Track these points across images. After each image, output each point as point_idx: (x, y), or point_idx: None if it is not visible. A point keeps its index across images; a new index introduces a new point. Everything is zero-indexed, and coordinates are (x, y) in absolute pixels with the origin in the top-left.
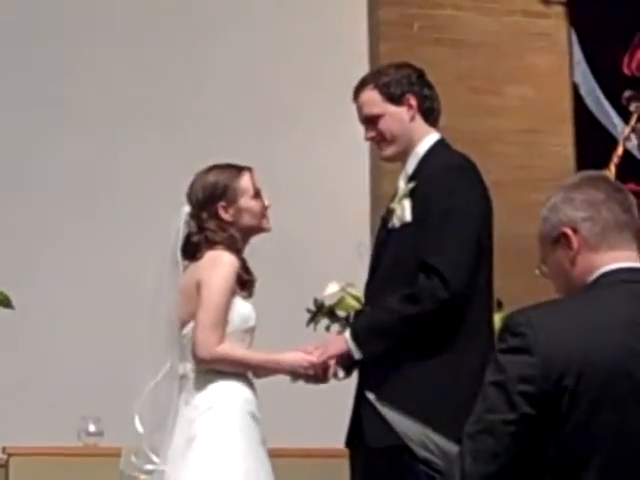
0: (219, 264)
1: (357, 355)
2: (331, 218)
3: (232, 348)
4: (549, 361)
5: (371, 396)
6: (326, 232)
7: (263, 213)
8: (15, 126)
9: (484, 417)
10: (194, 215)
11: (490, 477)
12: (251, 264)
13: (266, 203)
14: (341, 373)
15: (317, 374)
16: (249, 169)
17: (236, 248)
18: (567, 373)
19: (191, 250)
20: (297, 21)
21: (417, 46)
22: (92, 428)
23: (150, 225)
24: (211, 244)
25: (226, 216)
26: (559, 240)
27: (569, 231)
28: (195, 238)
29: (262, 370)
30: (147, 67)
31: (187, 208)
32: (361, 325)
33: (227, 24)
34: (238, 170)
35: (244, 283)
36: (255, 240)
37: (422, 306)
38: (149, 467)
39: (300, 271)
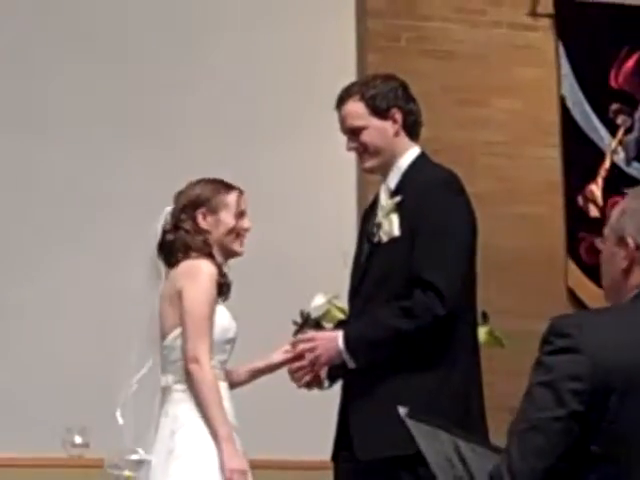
0: (198, 274)
1: (351, 364)
2: (317, 229)
3: (217, 384)
4: (597, 360)
5: (402, 411)
6: (312, 243)
7: (239, 233)
8: (9, 131)
9: (532, 415)
10: (174, 215)
11: (539, 474)
12: (237, 276)
13: (246, 225)
14: (326, 383)
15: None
16: (239, 190)
17: (209, 253)
18: (615, 373)
19: (165, 250)
20: (284, 31)
21: (404, 57)
22: (78, 439)
23: (137, 236)
24: (185, 248)
25: (203, 223)
26: (621, 242)
27: (632, 243)
28: (169, 236)
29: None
30: (136, 77)
31: (169, 208)
32: (355, 336)
33: (214, 35)
34: (228, 187)
35: (220, 286)
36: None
37: (418, 321)
38: (134, 457)
39: (286, 283)
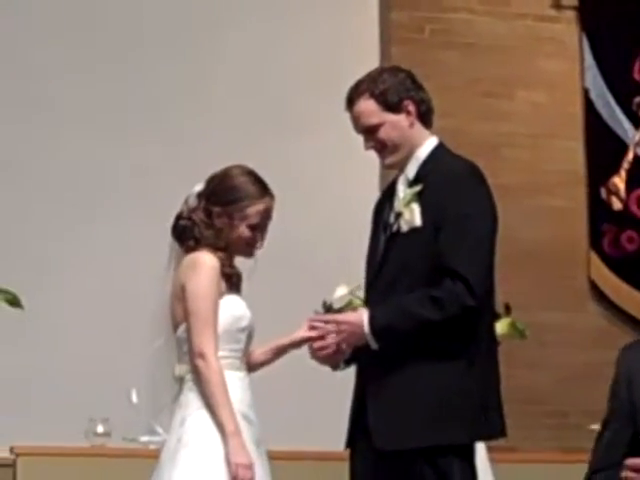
0: (198, 267)
1: (374, 346)
2: (341, 221)
3: (224, 378)
4: None
5: None
6: (335, 234)
7: (250, 243)
8: (18, 126)
9: None
10: (199, 196)
11: None
12: (261, 266)
13: (259, 239)
14: (341, 365)
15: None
16: (270, 197)
17: (221, 247)
18: None
19: (177, 234)
20: (307, 23)
21: (428, 49)
22: (100, 429)
23: (155, 224)
24: (196, 240)
25: (217, 221)
26: None
27: None
28: (182, 222)
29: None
30: (154, 68)
31: (199, 187)
32: (381, 324)
33: (235, 26)
34: (259, 195)
35: (229, 277)
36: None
37: (447, 312)
38: (145, 439)
39: (309, 273)
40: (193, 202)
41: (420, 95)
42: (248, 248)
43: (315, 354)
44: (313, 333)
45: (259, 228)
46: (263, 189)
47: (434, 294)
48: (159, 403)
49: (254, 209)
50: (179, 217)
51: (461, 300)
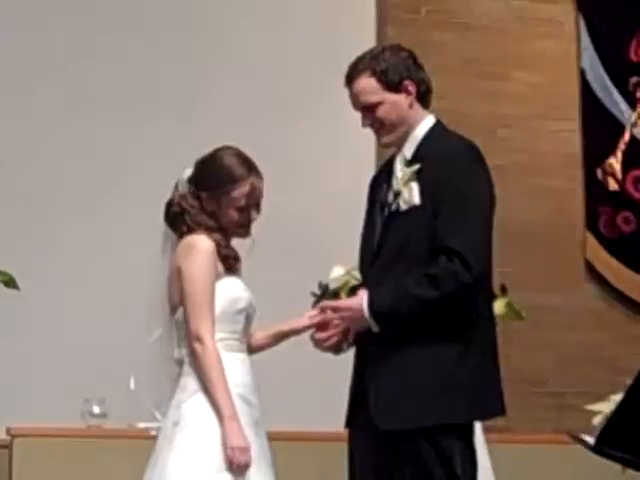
0: (193, 250)
1: (375, 329)
2: (337, 202)
3: (221, 362)
4: None
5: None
6: (332, 216)
7: (241, 225)
8: (20, 108)
9: None
10: (189, 182)
11: None
12: (257, 246)
13: (253, 216)
14: (345, 346)
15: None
16: (257, 177)
17: (217, 228)
18: None
19: (170, 222)
20: (304, 5)
21: (425, 30)
22: (96, 410)
23: (153, 208)
24: (188, 226)
25: (207, 205)
26: None
27: None
28: (174, 209)
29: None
30: (158, 49)
31: (189, 172)
32: (381, 309)
33: (234, 10)
34: (246, 175)
35: (225, 259)
36: (260, 224)
37: (444, 290)
38: (142, 425)
39: (305, 254)
40: (183, 188)
41: (421, 75)
42: (241, 229)
43: (318, 344)
44: (315, 320)
45: (248, 209)
46: (248, 169)
47: (431, 272)
48: (157, 389)
49: (239, 192)
50: (170, 204)
51: (459, 277)
